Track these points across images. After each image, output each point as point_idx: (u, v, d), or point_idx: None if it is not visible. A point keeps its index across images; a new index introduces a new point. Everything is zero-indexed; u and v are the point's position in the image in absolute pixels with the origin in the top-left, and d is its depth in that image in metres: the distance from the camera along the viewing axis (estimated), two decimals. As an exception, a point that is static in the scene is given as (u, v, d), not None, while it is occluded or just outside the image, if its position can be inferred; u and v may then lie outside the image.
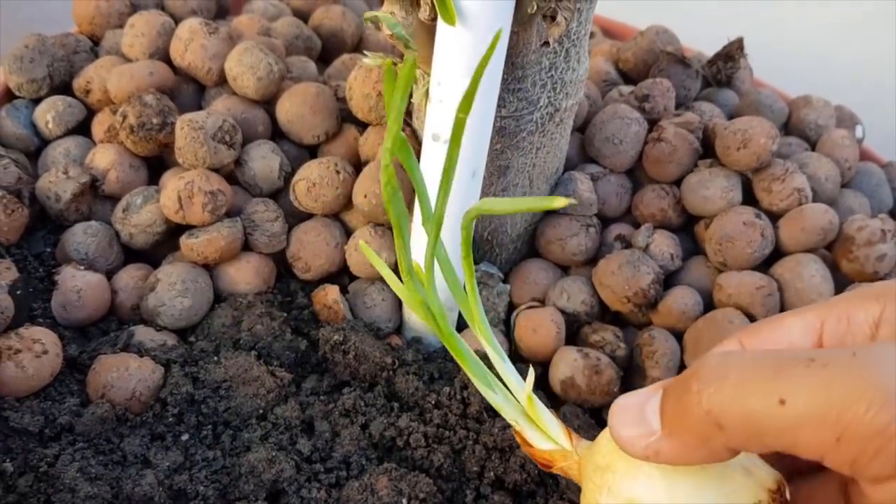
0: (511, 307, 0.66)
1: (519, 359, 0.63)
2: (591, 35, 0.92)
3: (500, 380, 0.46)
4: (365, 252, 0.51)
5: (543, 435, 0.44)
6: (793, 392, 0.28)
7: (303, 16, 0.81)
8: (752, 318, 0.60)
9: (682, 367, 0.61)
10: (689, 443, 0.32)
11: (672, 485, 0.36)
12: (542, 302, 0.65)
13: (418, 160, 0.55)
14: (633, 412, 0.34)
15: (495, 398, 0.45)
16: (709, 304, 0.63)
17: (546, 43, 0.53)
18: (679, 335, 0.62)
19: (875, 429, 0.26)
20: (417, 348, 0.61)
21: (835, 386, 0.27)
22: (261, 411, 0.54)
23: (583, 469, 0.41)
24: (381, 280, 0.64)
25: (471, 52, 0.47)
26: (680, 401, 0.32)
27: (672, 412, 0.33)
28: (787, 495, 0.37)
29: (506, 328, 0.65)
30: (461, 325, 0.63)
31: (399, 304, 0.63)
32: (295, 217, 0.65)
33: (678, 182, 0.68)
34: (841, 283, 0.63)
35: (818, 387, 0.28)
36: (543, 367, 0.62)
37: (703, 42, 0.84)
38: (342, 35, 0.79)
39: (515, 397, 0.45)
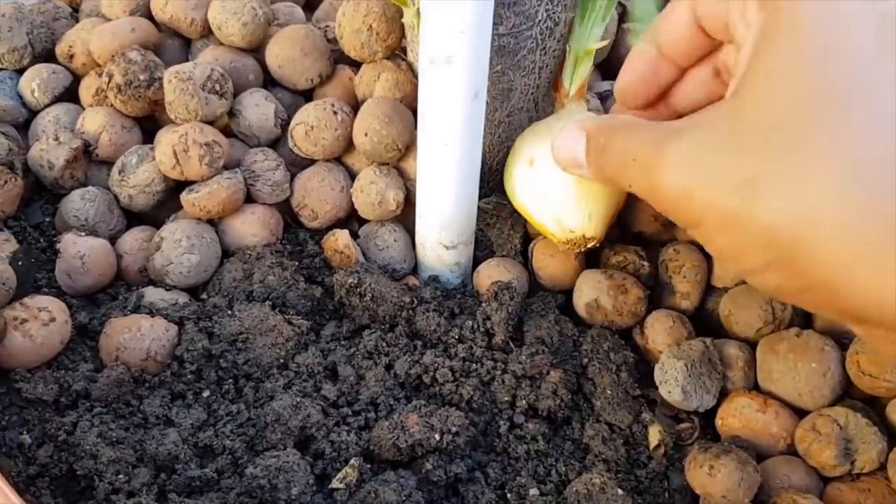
0: (527, 238, 0.64)
1: (539, 288, 0.61)
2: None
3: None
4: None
5: (571, 76, 0.57)
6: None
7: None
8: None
9: (709, 279, 0.59)
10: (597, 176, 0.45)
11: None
12: (559, 229, 0.63)
13: (417, 94, 0.53)
14: (569, 149, 0.45)
15: (587, 27, 0.55)
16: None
17: None
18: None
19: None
20: (435, 286, 0.59)
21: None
22: (281, 361, 0.53)
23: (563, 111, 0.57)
24: (392, 221, 0.62)
25: (461, -37, 0.45)
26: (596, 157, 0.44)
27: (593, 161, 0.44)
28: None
29: (524, 259, 0.63)
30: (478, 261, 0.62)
31: (412, 243, 0.61)
32: (296, 166, 0.63)
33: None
34: None
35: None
36: (566, 294, 0.60)
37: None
38: (328, -21, 0.77)
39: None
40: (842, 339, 0.53)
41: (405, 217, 0.61)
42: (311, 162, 0.63)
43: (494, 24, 0.51)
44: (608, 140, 0.42)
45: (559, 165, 0.47)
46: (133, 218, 0.61)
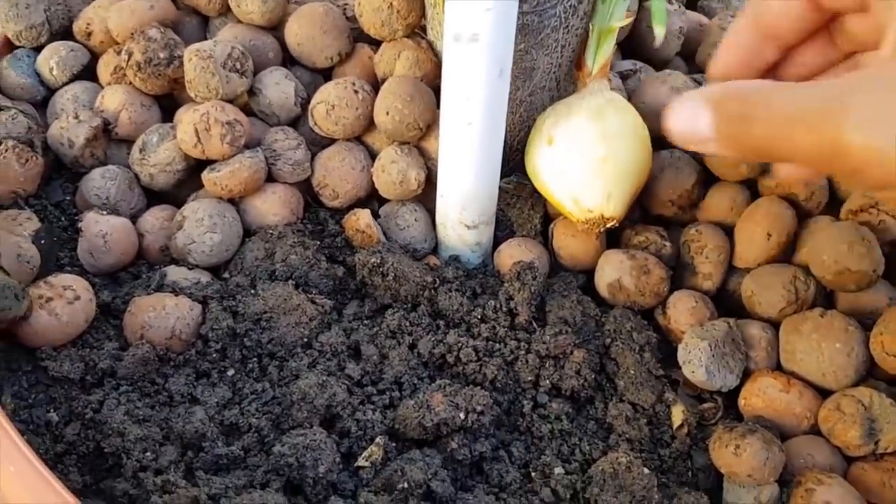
0: (547, 218, 0.63)
1: (560, 268, 0.61)
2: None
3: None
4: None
5: (594, 54, 0.57)
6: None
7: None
8: (797, 205, 0.57)
9: (731, 260, 0.59)
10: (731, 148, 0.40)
11: None
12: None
13: (438, 73, 0.53)
14: (687, 122, 0.40)
15: (609, 5, 0.55)
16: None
17: None
18: (726, 228, 0.59)
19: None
20: (456, 266, 0.59)
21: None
22: (305, 340, 0.53)
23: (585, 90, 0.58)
24: (413, 201, 0.62)
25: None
26: (736, 126, 0.38)
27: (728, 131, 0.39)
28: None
29: (544, 240, 0.63)
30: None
31: (433, 223, 0.61)
32: (316, 145, 0.62)
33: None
34: None
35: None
36: (587, 274, 0.60)
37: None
38: (345, -44, 0.76)
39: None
40: (866, 320, 0.53)
41: (426, 196, 0.61)
42: (332, 141, 0.62)
43: (519, 1, 0.51)
44: (753, 108, 0.38)
45: (674, 140, 0.43)
46: (153, 197, 0.61)
